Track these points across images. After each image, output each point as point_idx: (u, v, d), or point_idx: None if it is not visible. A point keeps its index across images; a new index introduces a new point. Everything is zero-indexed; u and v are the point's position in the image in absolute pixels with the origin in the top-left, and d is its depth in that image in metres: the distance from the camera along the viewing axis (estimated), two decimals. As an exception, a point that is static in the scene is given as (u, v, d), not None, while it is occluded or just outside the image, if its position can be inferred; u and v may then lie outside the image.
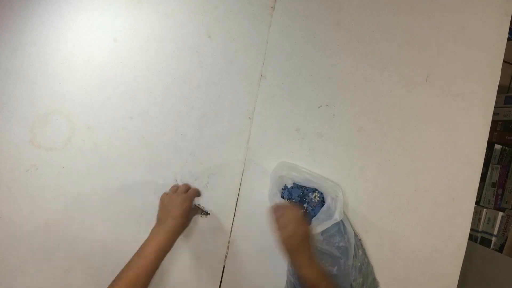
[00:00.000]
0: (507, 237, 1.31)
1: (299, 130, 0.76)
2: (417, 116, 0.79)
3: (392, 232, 0.78)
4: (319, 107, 0.76)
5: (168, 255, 0.61)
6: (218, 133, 0.74)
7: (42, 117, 0.69)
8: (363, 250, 0.76)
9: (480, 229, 1.40)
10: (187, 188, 0.71)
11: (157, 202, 0.68)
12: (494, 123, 0.81)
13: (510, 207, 1.37)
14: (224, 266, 0.74)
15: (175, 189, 0.71)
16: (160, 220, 0.65)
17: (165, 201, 0.67)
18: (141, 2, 0.72)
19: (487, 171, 1.46)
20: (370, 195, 0.77)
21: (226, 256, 0.74)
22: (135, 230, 0.70)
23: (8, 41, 0.68)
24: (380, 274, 0.77)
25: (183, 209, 0.64)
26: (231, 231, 0.74)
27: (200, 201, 0.74)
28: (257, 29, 0.75)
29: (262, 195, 0.73)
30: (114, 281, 0.57)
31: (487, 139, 0.81)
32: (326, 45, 0.77)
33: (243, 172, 0.74)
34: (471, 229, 1.40)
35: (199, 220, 0.73)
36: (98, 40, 0.71)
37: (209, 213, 0.74)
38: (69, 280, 0.69)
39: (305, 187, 0.74)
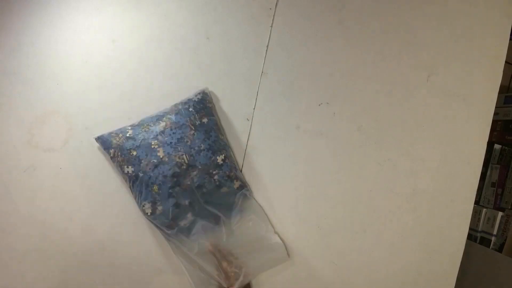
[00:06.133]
0: (506, 237, 1.31)
1: (299, 127, 0.76)
2: (417, 116, 0.79)
3: (391, 231, 0.78)
4: (319, 104, 0.76)
5: None
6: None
7: (40, 118, 0.69)
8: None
9: (479, 229, 1.40)
10: None
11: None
12: (493, 122, 0.81)
13: (509, 207, 1.37)
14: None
15: None
16: None
17: None
18: (140, 3, 0.72)
19: (486, 170, 1.45)
20: (369, 194, 0.77)
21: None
22: (133, 231, 0.70)
23: (6, 42, 0.68)
24: (377, 273, 0.77)
25: None
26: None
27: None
28: (256, 31, 0.75)
29: (261, 196, 0.74)
30: None
31: (487, 140, 0.81)
32: (328, 44, 0.77)
33: (241, 172, 0.74)
34: (471, 229, 1.40)
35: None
36: (96, 41, 0.70)
37: None
38: (66, 281, 0.69)
39: None
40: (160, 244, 0.70)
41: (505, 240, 1.31)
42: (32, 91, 0.69)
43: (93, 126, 0.70)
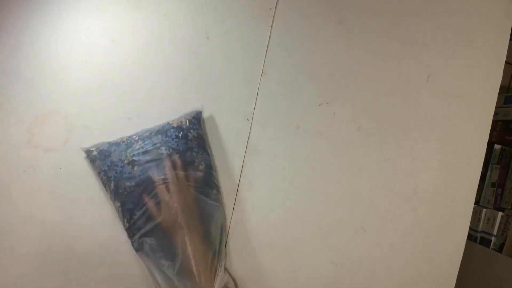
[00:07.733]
0: (506, 237, 1.31)
1: (299, 127, 0.76)
2: (417, 116, 0.79)
3: (391, 231, 0.78)
4: (319, 105, 0.76)
5: None
6: (216, 135, 0.73)
7: (40, 118, 0.69)
8: None
9: (479, 229, 1.40)
10: None
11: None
12: (493, 123, 0.81)
13: (509, 207, 1.37)
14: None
15: None
16: None
17: None
18: (140, 2, 0.72)
19: (486, 171, 1.46)
20: (369, 194, 0.77)
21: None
22: (134, 231, 0.70)
23: (6, 42, 0.68)
24: (377, 274, 0.77)
25: None
26: (228, 229, 0.74)
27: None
28: (256, 31, 0.75)
29: (261, 196, 0.74)
30: None
31: (487, 140, 0.81)
32: (328, 44, 0.77)
33: (241, 172, 0.74)
34: (471, 229, 1.40)
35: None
36: (96, 40, 0.70)
37: None
38: (66, 281, 0.69)
39: None
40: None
41: (505, 240, 1.31)
42: (32, 91, 0.69)
43: (93, 126, 0.70)
